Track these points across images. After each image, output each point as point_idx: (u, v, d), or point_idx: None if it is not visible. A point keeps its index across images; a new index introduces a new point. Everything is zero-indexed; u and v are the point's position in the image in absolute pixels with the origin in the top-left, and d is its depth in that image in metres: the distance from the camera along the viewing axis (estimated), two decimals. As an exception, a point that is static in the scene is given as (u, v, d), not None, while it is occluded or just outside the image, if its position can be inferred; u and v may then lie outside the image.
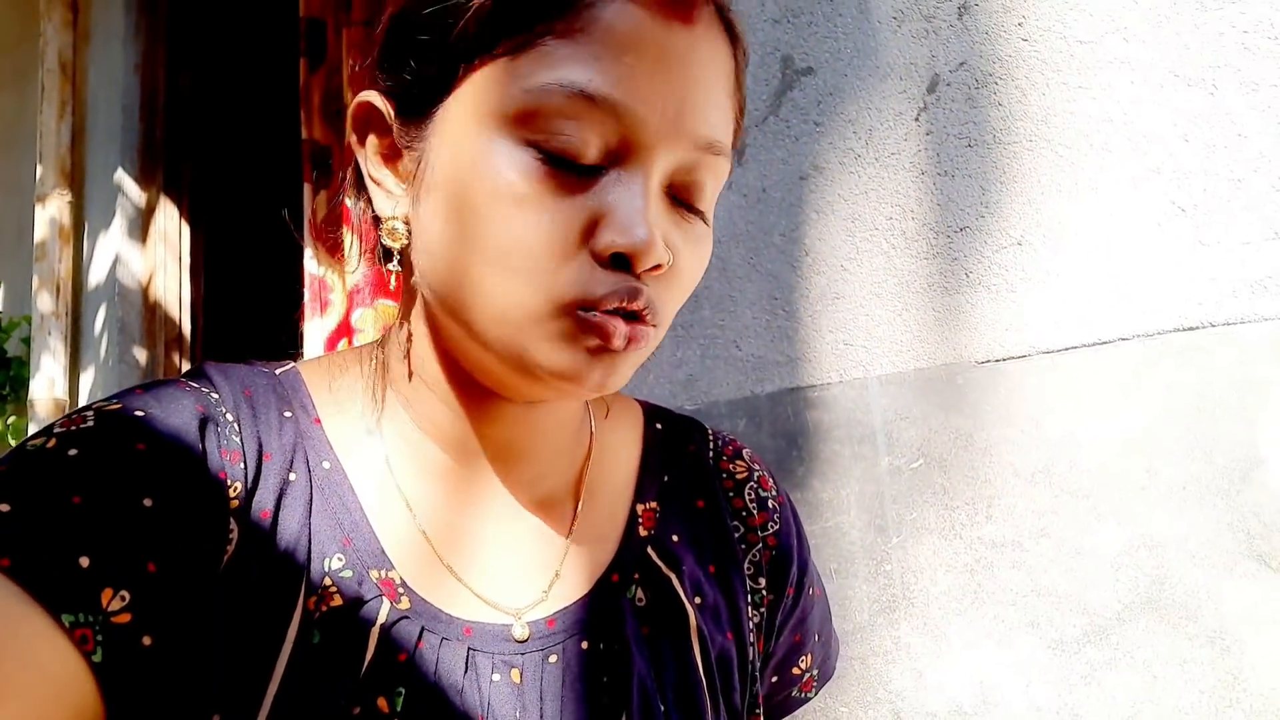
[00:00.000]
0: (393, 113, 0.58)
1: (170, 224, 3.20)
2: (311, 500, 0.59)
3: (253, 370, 0.63)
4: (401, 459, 0.63)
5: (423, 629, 0.59)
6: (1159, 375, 0.97)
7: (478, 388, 0.61)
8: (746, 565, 0.74)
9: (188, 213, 3.29)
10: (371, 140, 0.60)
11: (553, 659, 0.62)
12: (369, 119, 0.59)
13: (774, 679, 0.78)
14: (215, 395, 0.59)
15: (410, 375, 0.63)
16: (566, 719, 0.61)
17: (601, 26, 0.52)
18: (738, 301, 1.32)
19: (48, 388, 3.23)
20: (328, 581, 0.57)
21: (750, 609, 0.73)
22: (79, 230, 3.39)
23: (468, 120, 0.53)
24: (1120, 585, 0.98)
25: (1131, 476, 0.98)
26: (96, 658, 0.48)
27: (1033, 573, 1.04)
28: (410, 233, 0.58)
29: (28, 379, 3.54)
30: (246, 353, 0.72)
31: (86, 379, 3.27)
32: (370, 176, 0.60)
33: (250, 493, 0.56)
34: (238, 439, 0.57)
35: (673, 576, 0.68)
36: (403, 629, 0.58)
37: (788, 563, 0.76)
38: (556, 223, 0.52)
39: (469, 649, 0.60)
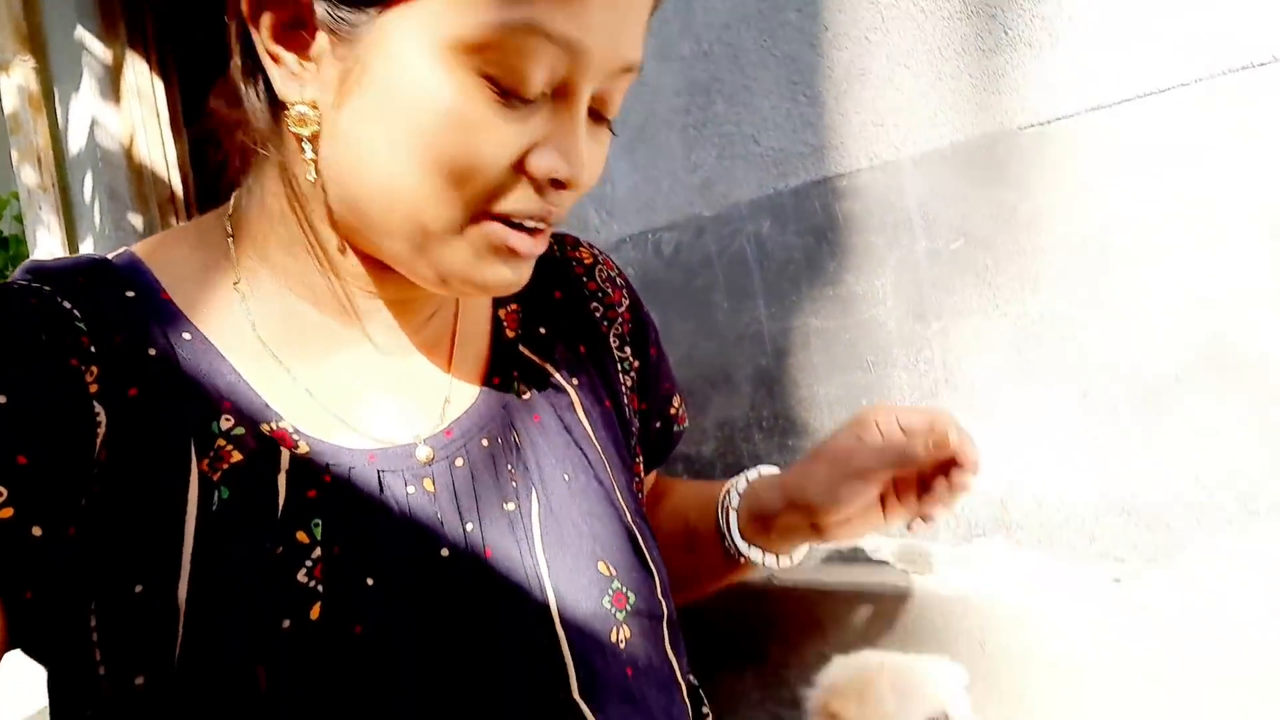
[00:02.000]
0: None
1: (142, 80, 3.05)
2: (179, 371, 0.59)
3: (81, 259, 0.62)
4: (270, 323, 0.64)
5: (327, 464, 0.61)
6: (1224, 120, 0.90)
7: (368, 262, 0.64)
8: (612, 339, 0.83)
9: (158, 66, 3.12)
10: (267, 17, 0.57)
11: (459, 463, 0.67)
12: None
13: (658, 424, 0.90)
14: (47, 288, 0.58)
15: (285, 245, 0.64)
16: (484, 511, 0.66)
17: None
18: (753, 91, 1.24)
19: (49, 263, 3.17)
20: (220, 442, 0.59)
21: (622, 375, 0.82)
22: (49, 97, 3.25)
23: (422, 42, 0.53)
24: (1176, 347, 0.95)
25: (1187, 236, 0.93)
26: None
27: (1083, 343, 1.01)
28: (319, 119, 0.58)
29: (27, 256, 3.49)
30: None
31: (86, 248, 3.21)
32: (268, 53, 0.58)
33: (107, 374, 0.57)
34: (80, 325, 0.57)
35: (547, 365, 0.76)
36: (307, 469, 0.61)
37: (645, 331, 0.87)
38: (501, 145, 0.55)
39: (378, 470, 0.63)
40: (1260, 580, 0.91)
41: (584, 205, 1.43)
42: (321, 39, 0.56)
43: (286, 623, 0.56)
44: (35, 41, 3.22)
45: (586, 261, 0.85)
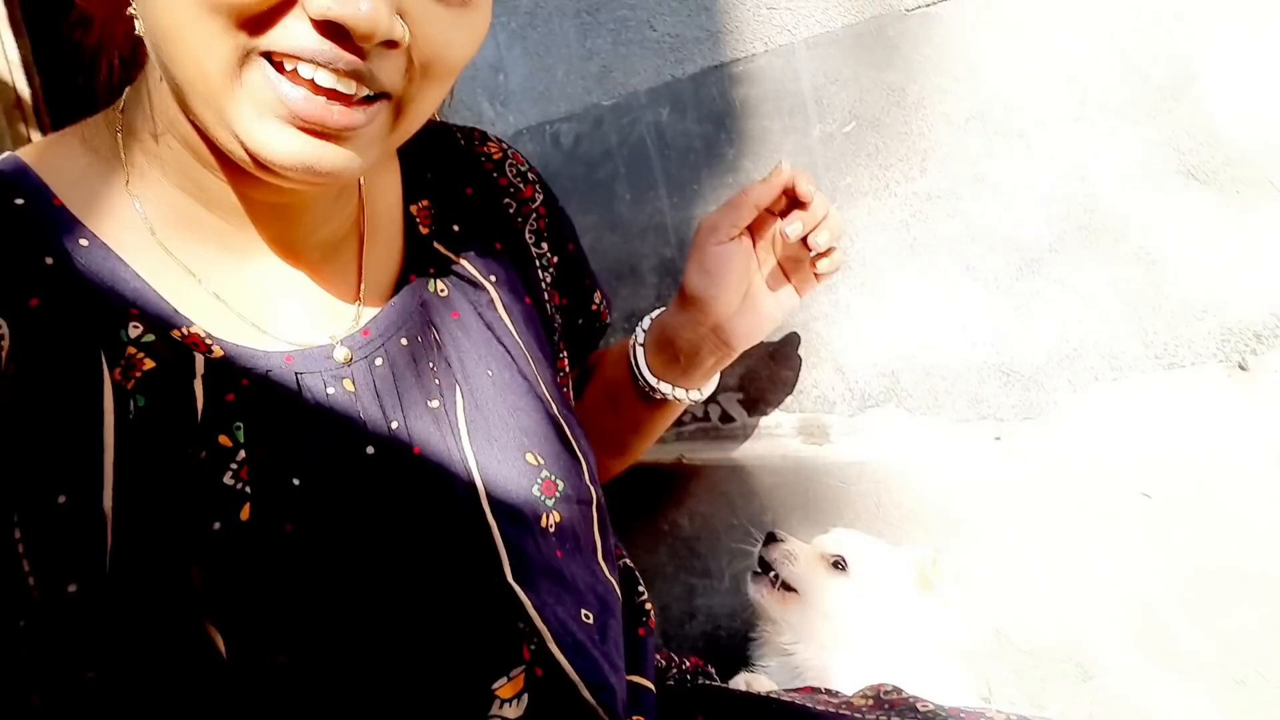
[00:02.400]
0: None
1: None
2: (80, 279, 0.57)
3: None
4: (168, 226, 0.62)
5: (244, 368, 0.60)
6: (1100, 2, 0.95)
7: (219, 156, 0.59)
8: (528, 235, 0.82)
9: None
10: None
11: (379, 362, 0.67)
12: None
13: (580, 321, 0.91)
14: None
15: (157, 139, 0.60)
16: (408, 408, 0.66)
17: None
18: (648, -26, 1.23)
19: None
20: (131, 350, 0.57)
21: (541, 272, 0.82)
22: None
23: None
24: (1052, 218, 1.02)
25: (1064, 109, 0.99)
26: None
27: (967, 219, 1.07)
28: None
29: None
30: (96, 111, 0.65)
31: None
32: None
33: (4, 285, 0.55)
34: None
35: (463, 261, 0.75)
36: (223, 373, 0.60)
37: (561, 225, 0.87)
38: None
39: (295, 373, 0.63)
40: (1122, 429, 1.01)
41: (477, 96, 1.40)
42: None
43: (217, 524, 0.56)
44: None
45: (495, 156, 0.84)
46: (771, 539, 1.11)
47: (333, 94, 0.52)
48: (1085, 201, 1.00)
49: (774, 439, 1.26)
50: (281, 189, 0.58)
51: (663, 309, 0.97)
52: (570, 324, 0.90)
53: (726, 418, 1.30)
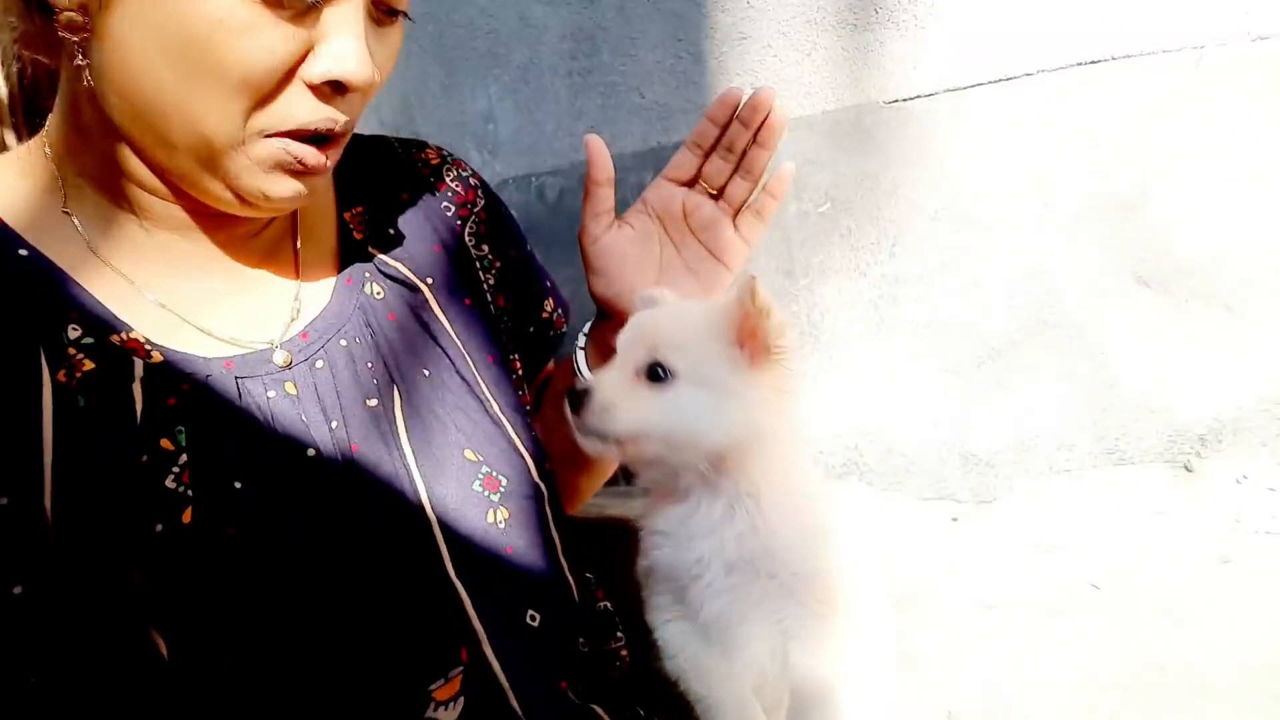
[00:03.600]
0: None
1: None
2: (19, 285, 0.59)
3: None
4: (106, 241, 0.64)
5: (184, 372, 0.61)
6: (1061, 110, 0.99)
7: (169, 182, 0.62)
8: (468, 237, 0.81)
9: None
10: None
11: (319, 364, 0.68)
12: None
13: (530, 329, 0.88)
14: None
15: (97, 159, 0.63)
16: (347, 408, 0.67)
17: None
18: (639, 44, 1.26)
19: None
20: (71, 351, 0.58)
21: (483, 273, 0.81)
22: None
23: None
24: (1013, 312, 1.05)
25: (1029, 210, 1.02)
26: None
27: (933, 305, 1.10)
28: (89, 24, 0.56)
29: None
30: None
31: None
32: None
33: None
34: None
35: (399, 265, 0.75)
36: (162, 377, 0.60)
37: (505, 229, 0.85)
38: (275, 51, 0.54)
39: (235, 378, 0.63)
40: (1074, 520, 1.05)
41: (465, 143, 1.43)
42: None
43: (159, 527, 0.57)
44: None
45: (433, 162, 0.85)
46: (573, 395, 0.72)
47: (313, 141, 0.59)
48: (1045, 298, 1.03)
49: (738, 503, 1.28)
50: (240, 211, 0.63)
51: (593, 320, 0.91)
52: (520, 330, 0.89)
53: (693, 477, 1.33)
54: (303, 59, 0.56)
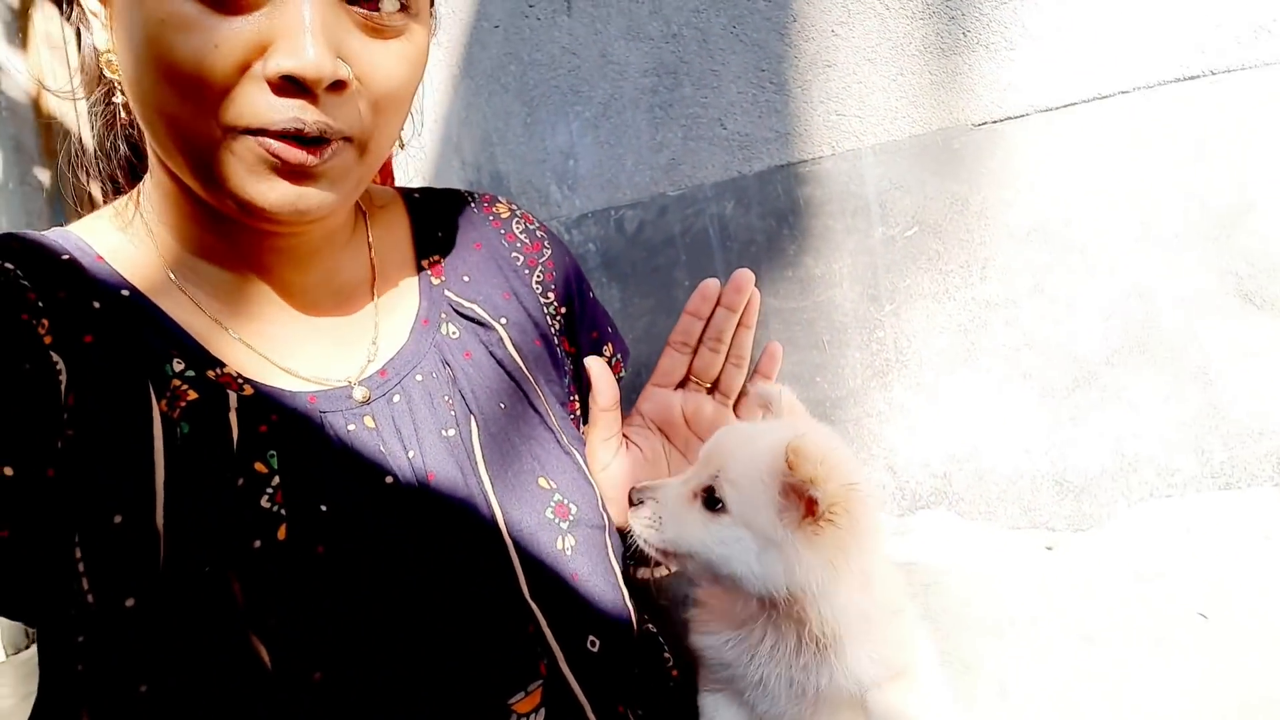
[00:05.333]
0: None
1: (52, 26, 2.90)
2: (125, 322, 0.63)
3: (8, 233, 0.65)
4: (195, 285, 0.68)
5: (272, 405, 0.65)
6: (1157, 127, 0.98)
7: (216, 215, 0.66)
8: (535, 285, 0.85)
9: (68, 12, 2.97)
10: None
11: (396, 399, 0.71)
12: None
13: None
14: None
15: (172, 211, 0.68)
16: (423, 438, 0.70)
17: None
18: (721, 76, 1.28)
19: (-55, 216, 3.01)
20: (176, 383, 0.63)
21: (549, 319, 0.84)
22: (-54, 40, 3.06)
23: None
24: (1110, 333, 1.04)
25: (1126, 229, 1.01)
26: None
27: (1025, 328, 1.09)
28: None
29: (-82, 208, 3.29)
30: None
31: (-14, 204, 3.05)
32: (89, 10, 0.62)
33: (59, 326, 0.60)
34: (24, 283, 0.60)
35: (475, 306, 0.79)
36: (254, 409, 0.64)
37: (570, 279, 0.88)
38: (221, 46, 0.55)
39: (319, 412, 0.67)
40: (1178, 547, 1.01)
41: (545, 179, 1.45)
42: None
43: (257, 543, 0.60)
44: (-69, -21, 3.03)
45: (504, 215, 0.88)
46: (632, 500, 0.74)
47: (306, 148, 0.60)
48: (1143, 318, 1.01)
49: (821, 532, 1.26)
50: (282, 234, 0.66)
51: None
52: (580, 374, 0.91)
53: (773, 507, 1.31)
54: (259, 55, 0.57)
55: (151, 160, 0.68)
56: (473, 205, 0.88)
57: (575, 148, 1.42)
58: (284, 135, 0.58)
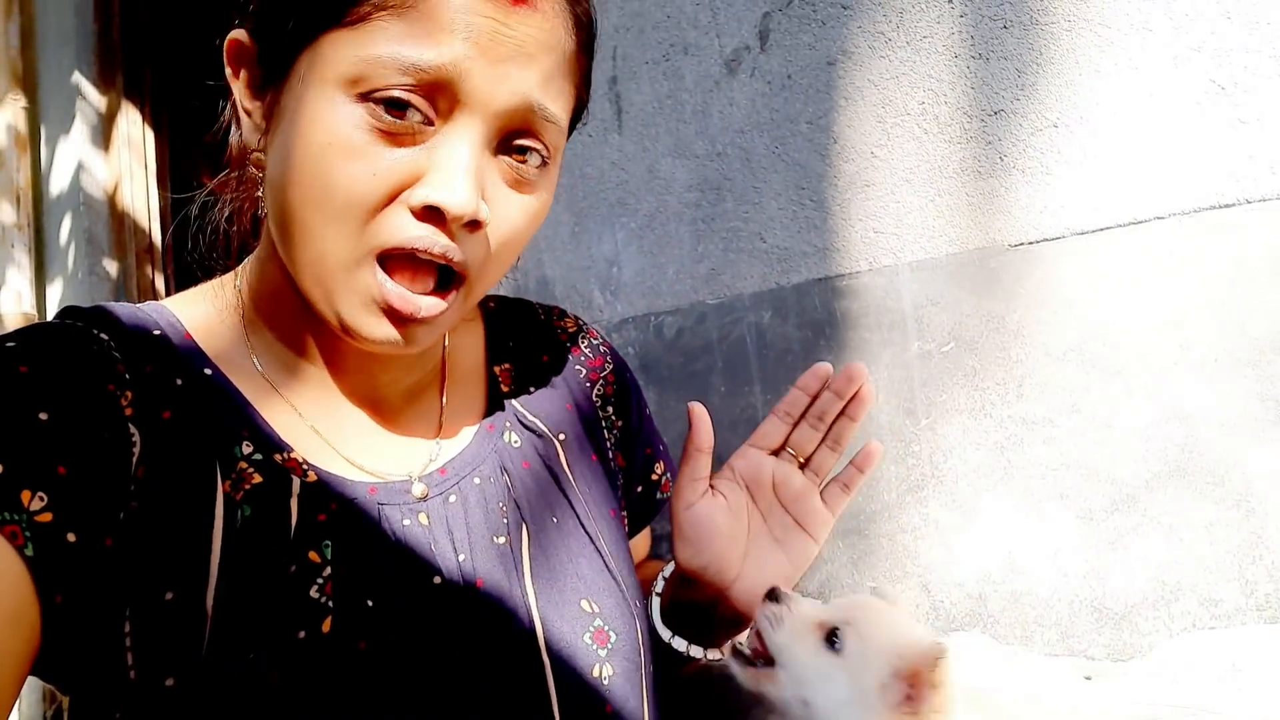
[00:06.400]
0: (256, 54, 0.64)
1: (134, 129, 3.08)
2: (203, 400, 0.65)
3: (109, 305, 0.68)
4: (275, 370, 0.71)
5: (334, 493, 0.67)
6: (1193, 252, 0.99)
7: (320, 324, 0.68)
8: (595, 398, 0.87)
9: (150, 118, 3.16)
10: (243, 74, 0.65)
11: (452, 499, 0.72)
12: (240, 54, 0.65)
13: (639, 489, 0.93)
14: (80, 323, 0.64)
15: (269, 301, 0.71)
16: (475, 543, 0.71)
17: (429, 7, 0.58)
18: (762, 192, 1.32)
19: (15, 301, 3.14)
20: (243, 465, 0.64)
21: (606, 432, 0.87)
22: (35, 137, 3.26)
23: (314, 78, 0.59)
24: (1149, 456, 1.02)
25: (1164, 352, 1.01)
26: (29, 551, 0.54)
27: (1063, 448, 1.08)
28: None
29: (-9, 293, 3.44)
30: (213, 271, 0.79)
31: (54, 292, 3.18)
32: (242, 108, 0.65)
33: (141, 399, 0.62)
34: (115, 354, 0.63)
35: (537, 418, 0.81)
36: (315, 496, 0.66)
37: (628, 394, 0.91)
38: (379, 174, 0.59)
39: (377, 504, 0.69)
40: (1223, 682, 0.97)
41: (590, 284, 1.49)
42: (270, 91, 0.64)
43: (301, 634, 0.61)
44: (28, 81, 3.25)
45: (570, 329, 0.91)
46: (772, 596, 0.82)
47: (427, 290, 0.64)
48: (1183, 442, 1.00)
49: (851, 650, 1.23)
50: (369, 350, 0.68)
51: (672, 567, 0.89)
52: (630, 488, 0.92)
53: (803, 622, 1.28)
54: (409, 185, 0.61)
55: (264, 252, 0.71)
56: (542, 317, 0.91)
57: (620, 256, 1.46)
58: (405, 258, 0.62)
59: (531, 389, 0.83)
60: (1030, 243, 1.09)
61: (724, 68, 1.36)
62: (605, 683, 0.71)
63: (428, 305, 0.63)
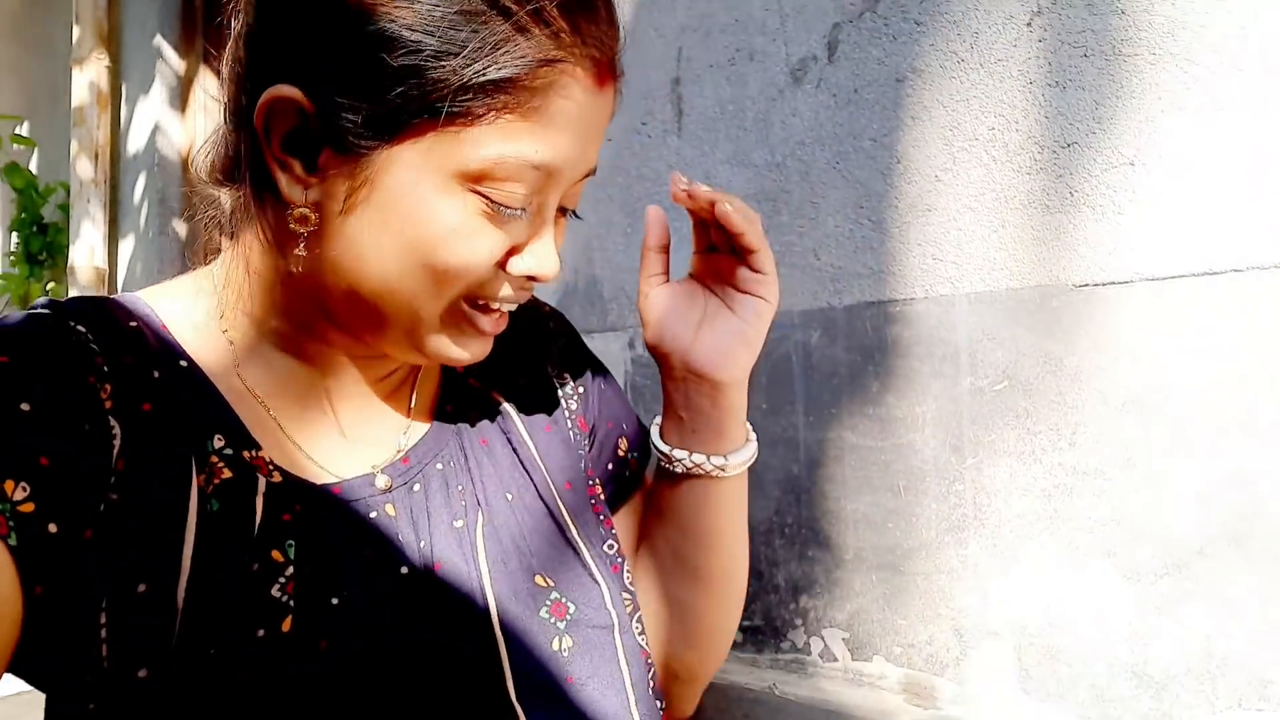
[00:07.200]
0: (324, 118, 0.63)
1: (210, 94, 3.12)
2: (181, 393, 0.67)
3: (85, 297, 0.69)
4: (250, 364, 0.72)
5: (297, 496, 0.68)
6: (1267, 309, 0.93)
7: (348, 335, 0.72)
8: (549, 369, 0.89)
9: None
10: (279, 125, 0.65)
11: (416, 487, 0.75)
12: (289, 113, 0.64)
13: (610, 465, 0.92)
14: (58, 316, 0.64)
15: (271, 310, 0.72)
16: (434, 527, 0.73)
17: (552, 109, 0.63)
18: (820, 208, 1.28)
19: (88, 255, 3.23)
20: (215, 459, 0.65)
21: (564, 400, 0.88)
22: (116, 96, 3.33)
23: (428, 169, 0.63)
24: (1206, 519, 0.97)
25: (1229, 411, 0.95)
26: (11, 541, 0.54)
27: (1114, 501, 1.03)
28: (320, 221, 0.66)
29: (65, 245, 3.54)
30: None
31: (125, 248, 3.26)
32: (275, 159, 0.65)
33: (120, 391, 0.63)
34: (94, 346, 0.63)
35: (493, 394, 0.84)
36: (280, 496, 0.67)
37: (582, 362, 0.93)
38: (489, 251, 0.65)
39: (343, 502, 0.71)
40: (1266, 765, 0.92)
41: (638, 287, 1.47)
42: (329, 154, 0.65)
43: (261, 631, 0.62)
44: (112, 42, 3.32)
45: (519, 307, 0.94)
46: None
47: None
48: (1242, 509, 0.95)
49: (875, 690, 1.20)
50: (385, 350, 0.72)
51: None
52: (601, 463, 0.91)
53: (828, 655, 1.25)
54: (509, 255, 0.67)
55: (267, 257, 0.71)
56: None
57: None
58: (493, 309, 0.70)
59: (485, 366, 0.85)
60: (1096, 284, 1.04)
61: (789, 77, 1.32)
62: (565, 655, 0.72)
63: (503, 320, 0.72)
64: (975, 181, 1.13)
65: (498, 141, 0.62)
